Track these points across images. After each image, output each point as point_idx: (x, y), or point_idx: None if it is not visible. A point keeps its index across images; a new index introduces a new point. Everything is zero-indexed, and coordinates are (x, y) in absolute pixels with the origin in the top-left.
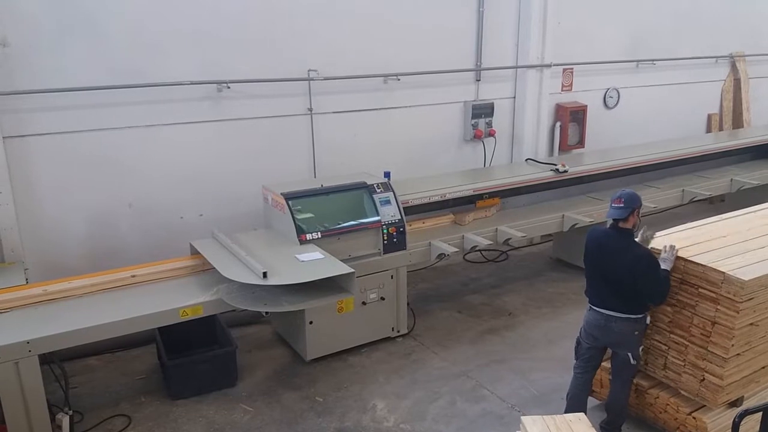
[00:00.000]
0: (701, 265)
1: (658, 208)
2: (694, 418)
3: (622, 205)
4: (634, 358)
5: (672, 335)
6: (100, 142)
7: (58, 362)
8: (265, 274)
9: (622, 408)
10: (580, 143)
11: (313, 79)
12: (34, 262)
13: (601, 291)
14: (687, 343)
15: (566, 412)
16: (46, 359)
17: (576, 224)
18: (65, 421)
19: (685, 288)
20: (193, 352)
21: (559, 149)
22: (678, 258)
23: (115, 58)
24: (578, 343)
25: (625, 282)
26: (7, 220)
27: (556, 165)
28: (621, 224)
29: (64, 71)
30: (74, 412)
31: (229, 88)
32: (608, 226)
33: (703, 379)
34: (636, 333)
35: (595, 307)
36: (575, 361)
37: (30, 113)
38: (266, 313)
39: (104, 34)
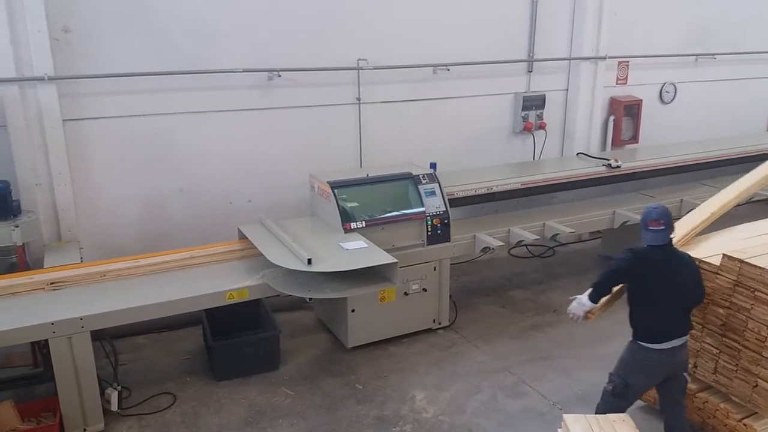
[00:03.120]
0: (759, 267)
1: None
2: (744, 425)
3: (663, 227)
4: (688, 374)
5: (724, 339)
6: (154, 127)
7: (109, 339)
8: (309, 261)
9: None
10: (634, 138)
11: (362, 69)
12: (88, 241)
13: (667, 320)
14: (740, 347)
15: None
16: (97, 336)
17: (627, 221)
18: (114, 396)
19: (741, 290)
20: (238, 335)
21: (612, 144)
22: (733, 259)
23: (170, 45)
24: (625, 387)
25: (693, 296)
26: (64, 201)
27: (608, 160)
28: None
29: (121, 57)
30: (122, 387)
31: (279, 76)
32: (650, 248)
33: (756, 385)
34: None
35: (657, 345)
36: (616, 400)
37: (88, 97)
38: (309, 299)
39: (160, 22)
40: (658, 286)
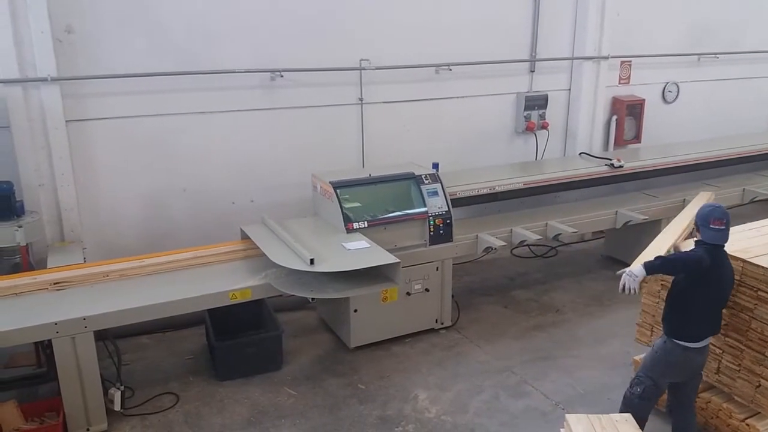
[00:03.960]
0: (762, 267)
1: None
2: (747, 425)
3: (724, 227)
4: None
5: (727, 338)
6: (157, 127)
7: (112, 339)
8: (312, 261)
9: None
10: (637, 138)
11: (364, 69)
12: (91, 241)
13: (710, 319)
14: (743, 347)
15: None
16: (100, 336)
17: (629, 221)
18: (117, 396)
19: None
20: (241, 335)
21: (615, 144)
22: (736, 259)
23: (172, 46)
24: (655, 387)
25: (729, 297)
26: (68, 201)
27: (611, 160)
28: None
29: (123, 58)
30: (125, 387)
31: (282, 76)
32: (709, 247)
33: (759, 385)
34: None
35: (695, 345)
36: (644, 403)
37: (91, 98)
38: (312, 299)
39: (162, 22)
40: (712, 286)
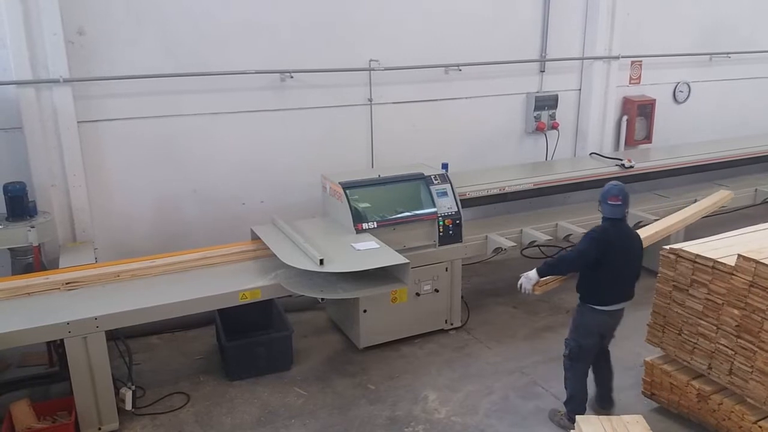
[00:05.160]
0: None
1: (728, 207)
2: (760, 427)
3: (620, 202)
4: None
5: (740, 340)
6: (167, 129)
7: (123, 339)
8: (321, 262)
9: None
10: (648, 138)
11: (373, 69)
12: (103, 242)
13: (621, 286)
14: (756, 348)
15: (578, 408)
16: (111, 335)
17: (641, 222)
18: (128, 395)
19: (756, 291)
20: (251, 335)
21: (625, 144)
22: (748, 260)
23: (183, 47)
24: (580, 349)
25: (640, 265)
26: (79, 202)
27: (621, 160)
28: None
29: (135, 59)
30: (137, 387)
31: (292, 77)
32: (608, 221)
33: None
34: None
35: (610, 307)
36: (576, 364)
37: (102, 99)
38: (322, 299)
39: (173, 24)
40: (614, 255)
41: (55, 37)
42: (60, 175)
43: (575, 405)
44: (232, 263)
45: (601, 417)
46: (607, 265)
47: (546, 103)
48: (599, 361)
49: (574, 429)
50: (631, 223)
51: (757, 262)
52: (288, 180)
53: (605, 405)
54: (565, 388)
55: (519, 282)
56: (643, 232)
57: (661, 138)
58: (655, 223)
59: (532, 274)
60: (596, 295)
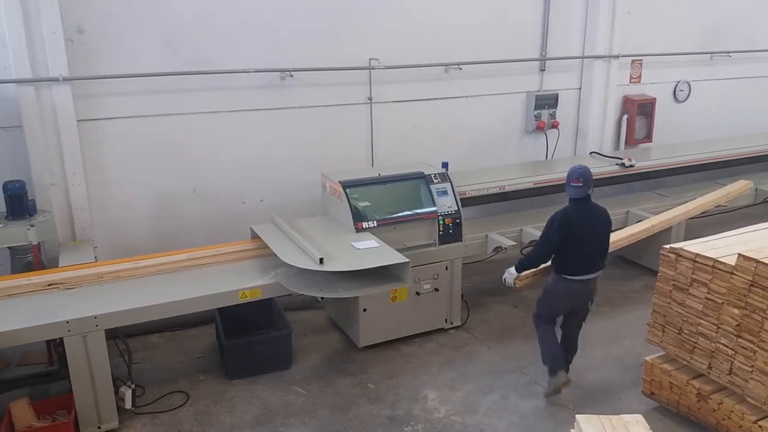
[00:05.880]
0: None
1: (728, 207)
2: (760, 426)
3: (581, 184)
4: (592, 302)
5: (740, 339)
6: (168, 127)
7: (123, 338)
8: (321, 260)
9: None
10: (648, 137)
11: (374, 68)
12: (102, 240)
13: (588, 259)
14: (756, 348)
15: (555, 362)
16: (111, 334)
17: (641, 221)
18: (128, 394)
19: (756, 291)
20: (251, 334)
21: (626, 143)
22: (749, 259)
23: (183, 46)
24: (548, 309)
25: (607, 239)
26: (79, 200)
27: (622, 159)
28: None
29: (134, 58)
30: (136, 386)
31: (292, 76)
32: (572, 201)
33: None
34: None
35: (578, 277)
36: (542, 322)
37: (102, 98)
38: (321, 298)
39: (173, 23)
40: (579, 232)
41: (54, 35)
42: (60, 174)
43: (550, 359)
44: (231, 262)
45: (601, 416)
46: (574, 241)
47: (546, 102)
48: (567, 331)
49: (558, 382)
50: (631, 221)
51: (757, 261)
52: (288, 179)
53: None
54: (539, 344)
55: (503, 276)
56: (672, 213)
57: (661, 137)
58: (682, 205)
59: (513, 269)
60: (566, 267)
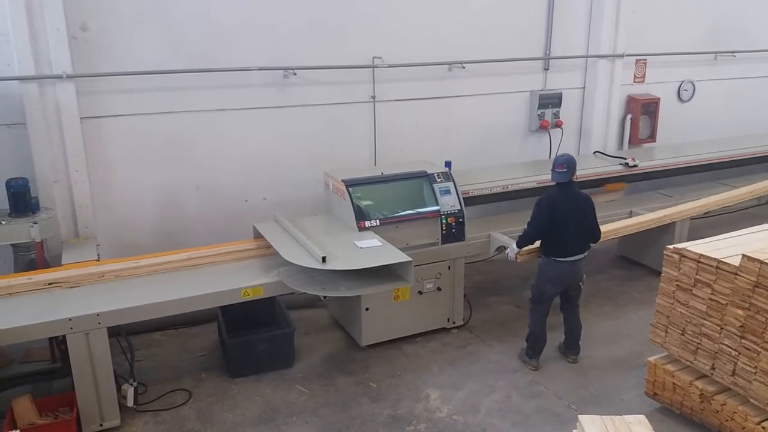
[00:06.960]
0: None
1: (732, 207)
2: (763, 428)
3: (565, 169)
4: (583, 282)
5: (744, 340)
6: (171, 125)
7: (125, 335)
8: (324, 259)
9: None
10: (652, 137)
11: (377, 67)
12: (105, 238)
13: (572, 242)
14: (760, 349)
15: (535, 347)
16: (114, 332)
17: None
18: (130, 391)
19: (760, 292)
20: (253, 332)
21: (629, 143)
22: (753, 260)
23: (186, 44)
24: (541, 294)
25: (591, 222)
26: (82, 198)
27: (625, 159)
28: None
29: (138, 55)
30: (138, 383)
31: (295, 74)
32: (557, 186)
33: None
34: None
35: (564, 258)
36: (537, 306)
37: (105, 95)
38: (324, 297)
39: (177, 21)
40: (563, 215)
41: (58, 32)
42: (63, 171)
43: (533, 342)
44: (234, 260)
45: (604, 417)
46: (560, 222)
47: (550, 101)
48: (567, 312)
49: (530, 364)
50: None
51: (761, 262)
52: (291, 177)
53: (571, 351)
54: (528, 326)
55: (506, 251)
56: (702, 202)
57: (665, 137)
58: (717, 195)
59: (514, 245)
60: (554, 249)
